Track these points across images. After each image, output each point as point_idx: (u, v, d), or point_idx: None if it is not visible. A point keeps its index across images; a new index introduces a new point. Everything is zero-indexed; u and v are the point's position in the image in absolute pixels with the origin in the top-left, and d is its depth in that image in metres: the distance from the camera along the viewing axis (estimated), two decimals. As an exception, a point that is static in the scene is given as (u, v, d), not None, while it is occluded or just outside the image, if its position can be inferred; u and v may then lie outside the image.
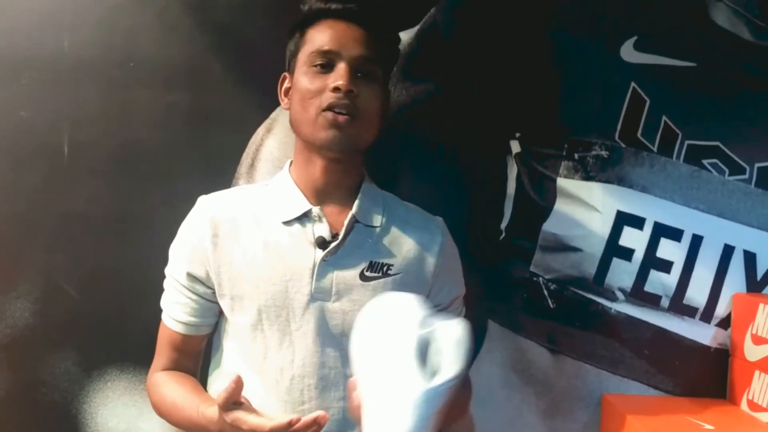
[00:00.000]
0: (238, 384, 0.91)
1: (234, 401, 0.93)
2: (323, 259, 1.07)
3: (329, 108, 1.05)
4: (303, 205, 1.10)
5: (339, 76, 1.05)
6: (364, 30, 1.09)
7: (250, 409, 0.94)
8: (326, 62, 1.07)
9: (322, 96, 1.06)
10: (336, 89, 1.04)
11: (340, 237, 1.08)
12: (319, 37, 1.08)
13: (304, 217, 1.10)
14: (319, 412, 0.91)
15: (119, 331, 1.41)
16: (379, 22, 1.12)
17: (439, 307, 1.15)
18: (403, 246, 1.13)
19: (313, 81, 1.07)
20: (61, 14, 1.39)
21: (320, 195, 1.12)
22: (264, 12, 1.41)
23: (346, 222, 1.09)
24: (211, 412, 0.97)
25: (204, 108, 1.41)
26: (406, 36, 1.39)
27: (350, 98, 1.05)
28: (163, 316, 1.15)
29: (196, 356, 1.18)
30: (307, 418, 0.90)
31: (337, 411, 1.07)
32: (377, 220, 1.13)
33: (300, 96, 1.08)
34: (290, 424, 0.89)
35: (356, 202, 1.12)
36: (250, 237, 1.10)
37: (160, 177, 1.41)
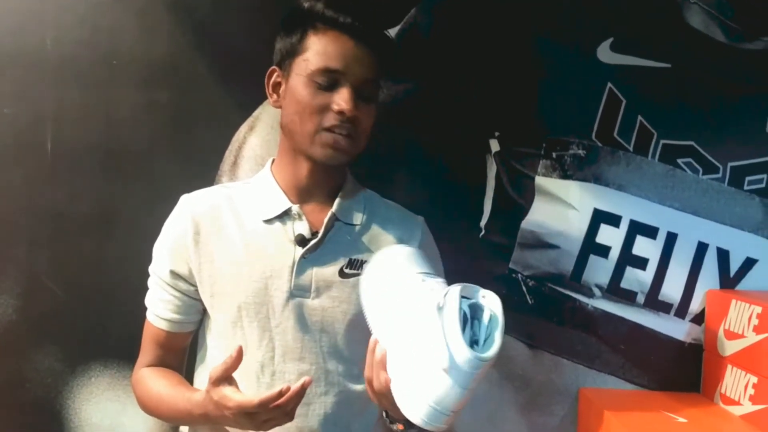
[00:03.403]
0: (239, 355, 0.92)
1: (227, 376, 0.93)
2: (302, 257, 1.08)
3: (329, 129, 1.06)
4: (283, 203, 1.11)
5: (343, 100, 1.04)
6: (369, 50, 1.07)
7: (237, 390, 0.94)
8: (331, 80, 1.05)
9: (324, 115, 1.05)
10: (340, 113, 1.04)
11: (320, 235, 1.09)
12: (324, 51, 1.05)
13: (285, 215, 1.11)
14: (304, 379, 0.91)
15: (102, 328, 1.42)
16: (382, 39, 1.12)
17: None
18: (382, 243, 1.13)
19: (315, 97, 1.05)
20: (43, 12, 1.39)
21: (302, 194, 1.12)
22: (246, 11, 1.42)
23: (325, 220, 1.10)
24: (198, 395, 0.98)
25: (186, 106, 1.42)
26: (387, 36, 1.40)
27: (351, 121, 1.05)
28: (148, 313, 1.16)
29: (181, 353, 1.18)
30: (296, 385, 0.90)
31: (318, 406, 1.08)
32: (357, 218, 1.14)
33: (299, 107, 1.06)
34: (281, 393, 0.89)
35: (337, 201, 1.12)
36: (232, 235, 1.10)
37: (142, 174, 1.41)
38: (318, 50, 1.06)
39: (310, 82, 1.06)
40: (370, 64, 1.07)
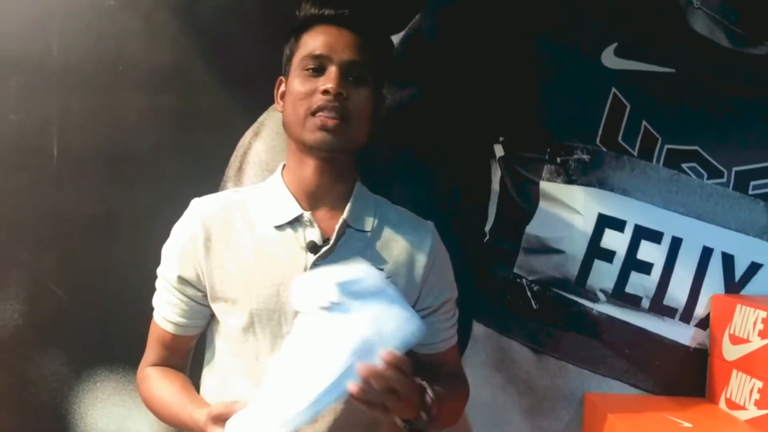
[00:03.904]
0: (239, 407, 0.92)
1: (228, 418, 0.93)
2: (314, 264, 1.08)
3: (318, 110, 1.06)
4: (294, 209, 1.11)
5: (329, 80, 1.07)
6: (356, 35, 1.10)
7: None
8: (318, 66, 1.08)
9: (313, 98, 1.07)
10: (326, 92, 1.06)
11: (332, 242, 1.09)
12: (312, 42, 1.10)
13: (296, 222, 1.11)
14: None
15: (108, 332, 1.42)
16: (370, 27, 1.14)
17: (429, 310, 1.16)
18: (393, 250, 1.13)
19: (305, 84, 1.08)
20: (49, 18, 1.40)
21: (312, 199, 1.12)
22: (251, 16, 1.42)
23: (337, 227, 1.10)
24: (198, 414, 0.98)
25: (192, 111, 1.42)
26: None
27: (340, 101, 1.06)
28: (155, 314, 1.16)
29: (186, 354, 1.19)
30: None
31: (328, 413, 1.07)
32: (368, 224, 1.14)
33: (292, 98, 1.09)
34: None
35: (348, 207, 1.12)
36: (243, 241, 1.10)
37: (148, 179, 1.42)
38: (306, 43, 1.10)
39: (301, 73, 1.09)
40: (356, 47, 1.10)
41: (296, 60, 1.11)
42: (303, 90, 1.08)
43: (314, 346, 0.92)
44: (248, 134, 1.43)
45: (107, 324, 1.42)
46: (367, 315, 0.92)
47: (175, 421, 1.08)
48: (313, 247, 1.09)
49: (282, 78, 1.16)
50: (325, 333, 0.92)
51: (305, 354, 0.92)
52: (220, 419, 0.93)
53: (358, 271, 0.95)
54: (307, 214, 1.10)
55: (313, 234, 1.10)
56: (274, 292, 1.07)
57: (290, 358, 0.93)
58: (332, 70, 1.07)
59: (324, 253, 1.09)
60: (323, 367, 0.89)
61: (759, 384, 1.30)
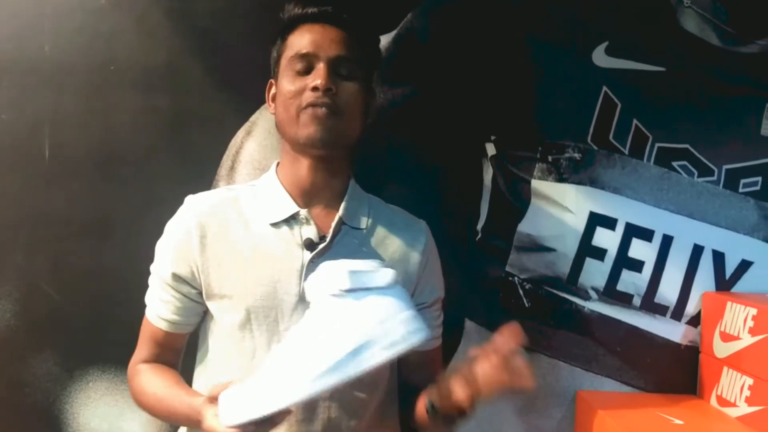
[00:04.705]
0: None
1: None
2: (311, 261, 1.08)
3: (309, 106, 1.07)
4: (290, 207, 1.12)
5: (318, 76, 1.07)
6: (342, 31, 1.11)
7: None
8: (306, 65, 1.09)
9: (303, 96, 1.08)
10: (315, 88, 1.07)
11: (328, 239, 1.10)
12: (298, 41, 1.11)
13: (292, 219, 1.11)
14: None
15: (100, 332, 1.42)
16: (355, 23, 1.14)
17: (422, 306, 1.17)
18: (388, 247, 1.14)
19: (294, 83, 1.09)
20: (41, 18, 1.40)
21: (307, 197, 1.13)
22: (243, 16, 1.42)
23: (333, 224, 1.11)
24: (197, 402, 0.98)
25: (184, 111, 1.42)
26: (383, 40, 1.40)
27: (329, 96, 1.07)
28: (147, 310, 1.16)
29: (178, 352, 1.18)
30: None
31: (323, 410, 1.08)
32: (363, 222, 1.15)
33: (282, 98, 1.10)
34: None
35: (343, 204, 1.13)
36: (238, 238, 1.10)
37: (140, 179, 1.42)
38: (293, 44, 1.11)
39: (290, 73, 1.10)
40: (343, 43, 1.10)
41: (284, 61, 1.12)
42: (293, 89, 1.09)
43: (320, 328, 0.92)
44: (240, 133, 1.43)
45: (100, 324, 1.42)
46: (377, 304, 0.93)
47: (170, 414, 1.08)
48: (309, 245, 1.09)
49: (272, 81, 1.17)
50: (334, 316, 0.92)
51: (310, 336, 0.92)
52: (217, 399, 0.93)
53: (370, 264, 0.97)
54: (303, 212, 1.11)
55: (310, 231, 1.10)
56: (272, 290, 1.08)
57: (294, 340, 0.94)
58: (320, 67, 1.08)
59: (321, 250, 1.09)
60: (327, 347, 0.89)
61: (749, 381, 1.31)
